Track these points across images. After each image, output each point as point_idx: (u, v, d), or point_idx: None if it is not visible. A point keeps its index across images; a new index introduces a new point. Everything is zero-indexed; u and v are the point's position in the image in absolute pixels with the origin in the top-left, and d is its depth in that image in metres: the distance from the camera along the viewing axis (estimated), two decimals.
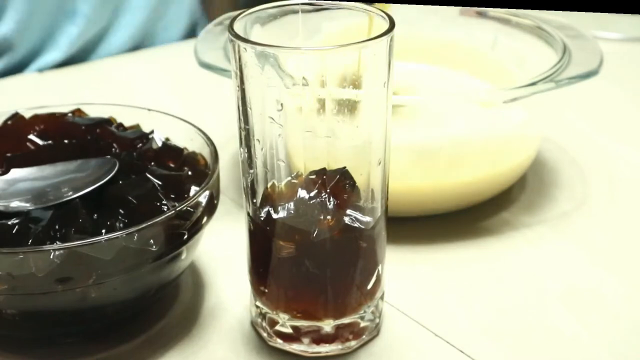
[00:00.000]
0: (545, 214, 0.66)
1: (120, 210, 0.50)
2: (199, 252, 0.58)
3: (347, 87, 0.46)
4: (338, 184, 0.47)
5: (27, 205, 0.51)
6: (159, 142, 0.57)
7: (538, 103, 0.65)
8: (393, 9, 0.58)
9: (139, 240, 0.48)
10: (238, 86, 0.47)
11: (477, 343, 0.52)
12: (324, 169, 0.47)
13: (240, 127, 0.48)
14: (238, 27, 0.47)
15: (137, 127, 0.59)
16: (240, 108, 0.47)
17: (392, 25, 0.46)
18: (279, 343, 0.51)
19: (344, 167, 0.47)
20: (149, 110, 0.60)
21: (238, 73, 0.46)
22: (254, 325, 0.53)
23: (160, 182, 0.52)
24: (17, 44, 0.95)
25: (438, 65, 0.75)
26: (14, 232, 0.48)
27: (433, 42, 0.77)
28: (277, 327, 0.51)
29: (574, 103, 0.81)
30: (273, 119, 0.46)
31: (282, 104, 0.45)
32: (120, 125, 0.59)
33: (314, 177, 0.47)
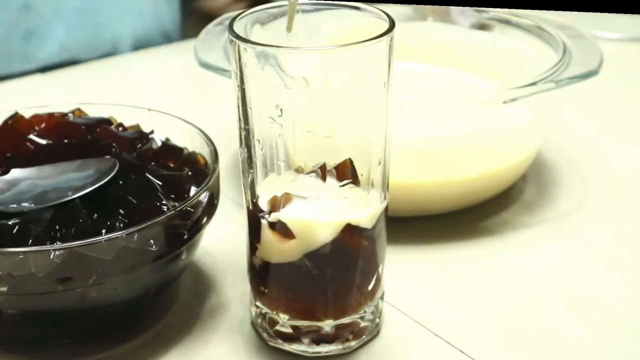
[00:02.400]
0: (546, 213, 0.66)
1: (120, 211, 0.50)
2: (199, 252, 0.58)
3: (347, 87, 0.46)
4: (344, 165, 0.47)
5: (28, 205, 0.51)
6: (158, 142, 0.57)
7: (538, 103, 0.65)
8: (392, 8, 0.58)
9: (139, 240, 0.48)
10: (238, 86, 0.47)
11: (477, 343, 0.52)
12: (324, 163, 0.47)
13: (240, 127, 0.48)
14: (238, 27, 0.47)
15: (137, 127, 0.59)
16: (240, 108, 0.47)
17: (392, 25, 0.46)
18: (279, 343, 0.51)
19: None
20: (149, 110, 0.60)
21: (238, 73, 0.46)
22: (254, 325, 0.53)
23: (160, 182, 0.52)
24: None
25: (438, 66, 0.75)
26: (14, 232, 0.48)
27: (433, 42, 0.76)
28: (277, 327, 0.51)
29: (574, 103, 0.81)
30: (273, 119, 0.46)
31: (281, 110, 0.45)
32: (120, 125, 0.59)
33: (313, 175, 0.47)
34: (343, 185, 0.47)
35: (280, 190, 0.48)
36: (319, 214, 0.47)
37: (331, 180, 0.47)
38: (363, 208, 0.48)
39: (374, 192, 0.48)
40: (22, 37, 0.95)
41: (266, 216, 0.48)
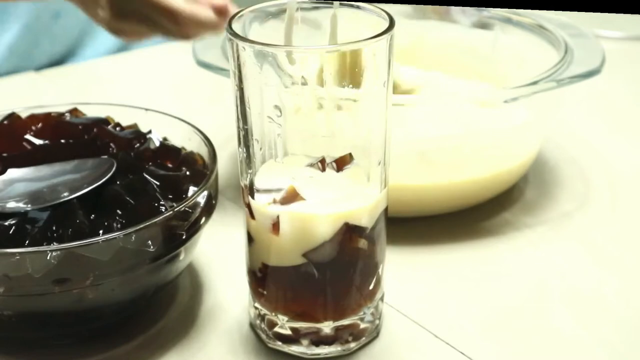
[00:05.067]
0: (547, 214, 0.65)
1: (118, 211, 0.50)
2: (197, 253, 0.57)
3: (346, 86, 0.45)
4: (343, 160, 0.47)
5: (24, 205, 0.50)
6: (156, 142, 0.57)
7: (539, 102, 0.64)
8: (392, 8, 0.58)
9: (137, 241, 0.48)
10: (236, 85, 0.47)
11: (478, 344, 0.52)
12: (323, 157, 0.47)
13: (238, 127, 0.48)
14: (236, 26, 0.46)
15: (134, 127, 0.59)
16: (239, 107, 0.47)
17: (391, 24, 0.46)
18: (277, 345, 0.51)
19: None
20: (147, 109, 0.60)
21: (236, 72, 0.46)
22: (252, 326, 0.53)
23: (158, 183, 0.52)
24: None
25: (438, 65, 0.75)
26: (10, 232, 0.48)
27: (433, 41, 0.76)
28: (276, 329, 0.51)
29: (575, 102, 0.81)
30: (272, 118, 0.46)
31: (280, 109, 0.45)
32: (118, 125, 0.59)
33: (313, 168, 0.47)
34: (341, 170, 0.47)
35: (279, 188, 0.47)
36: (318, 208, 0.47)
37: (330, 173, 0.47)
38: (362, 199, 0.48)
39: (373, 185, 0.48)
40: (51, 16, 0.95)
41: (266, 213, 0.48)
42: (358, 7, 0.48)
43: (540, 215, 0.65)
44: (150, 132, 0.58)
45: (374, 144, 0.47)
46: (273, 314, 0.50)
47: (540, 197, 0.68)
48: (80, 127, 0.57)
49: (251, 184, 0.48)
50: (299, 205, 0.47)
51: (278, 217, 0.47)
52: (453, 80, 0.73)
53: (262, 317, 0.51)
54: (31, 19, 0.95)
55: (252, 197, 0.48)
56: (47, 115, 0.58)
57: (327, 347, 0.50)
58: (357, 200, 0.48)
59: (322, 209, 0.47)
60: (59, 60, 0.98)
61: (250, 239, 0.50)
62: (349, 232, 0.48)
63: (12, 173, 0.54)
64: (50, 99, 0.66)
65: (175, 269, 0.53)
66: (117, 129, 0.58)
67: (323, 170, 0.47)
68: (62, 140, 0.57)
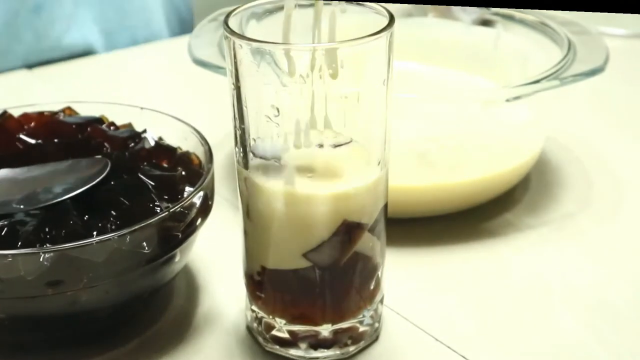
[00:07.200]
0: (549, 215, 0.65)
1: (112, 212, 0.49)
2: (193, 255, 0.57)
3: (345, 84, 0.45)
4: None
5: (17, 206, 0.50)
6: (151, 142, 0.57)
7: (542, 101, 0.64)
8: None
9: (132, 242, 0.47)
10: (233, 84, 0.46)
11: (479, 348, 0.51)
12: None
13: (235, 126, 0.47)
14: (233, 23, 0.46)
15: (129, 126, 0.58)
16: (236, 106, 0.47)
17: (391, 21, 0.45)
18: (275, 348, 0.51)
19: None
20: (142, 108, 0.60)
21: (233, 70, 0.46)
22: (249, 329, 0.52)
23: (153, 183, 0.52)
24: None
25: (439, 63, 0.74)
26: (2, 234, 0.47)
27: (434, 39, 0.76)
28: (274, 332, 0.50)
29: (578, 101, 0.80)
30: (269, 117, 0.45)
31: (278, 109, 0.45)
32: (112, 124, 0.58)
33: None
34: (339, 146, 0.46)
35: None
36: (315, 189, 0.46)
37: (329, 151, 0.46)
38: (361, 176, 0.47)
39: (373, 185, 0.47)
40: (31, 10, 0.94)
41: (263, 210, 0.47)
42: (357, 4, 0.48)
43: (543, 216, 0.65)
44: (145, 131, 0.57)
45: (374, 144, 0.47)
46: (270, 316, 0.50)
47: (543, 198, 0.67)
48: (73, 126, 0.57)
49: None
50: (297, 186, 0.46)
51: (276, 214, 0.47)
52: (453, 72, 0.73)
53: (259, 320, 0.51)
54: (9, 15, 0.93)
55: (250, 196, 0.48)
56: (40, 114, 0.58)
57: (325, 350, 0.50)
58: (355, 178, 0.47)
59: (320, 190, 0.46)
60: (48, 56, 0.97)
61: (248, 240, 0.49)
62: (349, 232, 0.47)
63: (4, 173, 0.53)
64: (43, 98, 0.66)
65: (171, 271, 0.53)
66: (112, 128, 0.58)
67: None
68: (56, 140, 0.56)
